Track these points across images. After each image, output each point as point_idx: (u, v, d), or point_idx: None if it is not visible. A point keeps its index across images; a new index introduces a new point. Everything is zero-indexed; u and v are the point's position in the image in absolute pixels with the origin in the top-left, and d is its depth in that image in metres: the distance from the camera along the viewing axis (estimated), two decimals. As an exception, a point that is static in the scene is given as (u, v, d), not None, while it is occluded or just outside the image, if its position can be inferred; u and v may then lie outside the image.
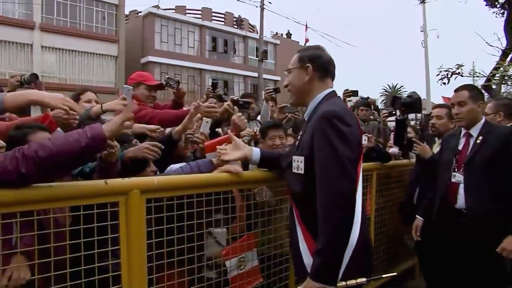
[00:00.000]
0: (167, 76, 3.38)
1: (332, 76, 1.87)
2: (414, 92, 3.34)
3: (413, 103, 3.12)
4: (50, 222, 1.50)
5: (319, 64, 1.82)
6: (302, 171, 1.71)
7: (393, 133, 3.59)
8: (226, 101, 4.07)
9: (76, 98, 2.75)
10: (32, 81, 2.99)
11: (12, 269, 1.51)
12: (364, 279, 1.52)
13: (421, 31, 20.80)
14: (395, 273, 2.04)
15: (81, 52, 21.18)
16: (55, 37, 20.10)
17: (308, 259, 1.70)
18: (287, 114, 4.29)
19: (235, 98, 3.14)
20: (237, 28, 30.12)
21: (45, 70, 19.73)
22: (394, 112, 3.87)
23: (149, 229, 1.71)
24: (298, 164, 1.73)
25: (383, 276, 1.63)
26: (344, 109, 1.76)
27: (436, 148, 3.38)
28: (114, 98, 2.74)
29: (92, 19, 21.97)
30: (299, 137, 1.83)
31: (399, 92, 42.90)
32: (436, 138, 3.64)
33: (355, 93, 4.87)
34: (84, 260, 1.53)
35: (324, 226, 1.57)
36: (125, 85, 2.67)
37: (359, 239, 1.65)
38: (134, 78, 3.20)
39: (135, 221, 1.63)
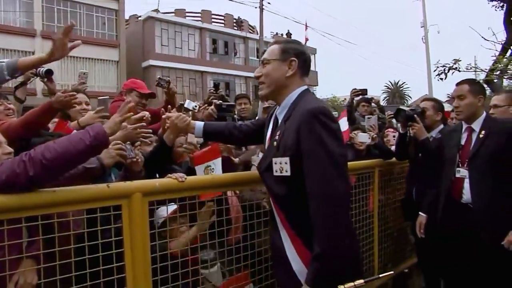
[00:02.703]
0: (158, 77, 3.40)
1: (307, 75, 1.79)
2: (417, 106, 3.37)
3: (416, 115, 3.10)
4: (61, 226, 1.52)
5: (303, 61, 1.73)
6: (288, 173, 1.59)
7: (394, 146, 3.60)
8: (229, 101, 4.09)
9: None
10: (47, 76, 3.19)
11: (19, 273, 1.53)
12: (362, 281, 1.46)
13: (421, 27, 20.75)
14: (392, 272, 2.00)
15: (83, 58, 21.25)
16: (57, 44, 20.18)
17: (297, 265, 1.62)
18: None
19: (218, 103, 3.13)
20: (237, 29, 30.15)
21: (48, 77, 19.80)
22: None
23: (152, 231, 1.73)
24: (282, 166, 1.60)
25: (380, 276, 1.59)
26: (326, 106, 1.70)
27: None
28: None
29: (93, 25, 22.07)
30: (276, 137, 1.69)
31: (401, 88, 42.82)
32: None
33: (364, 91, 4.84)
34: (89, 263, 1.55)
35: (322, 229, 1.49)
36: (99, 97, 2.67)
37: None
38: (127, 84, 3.31)
39: (138, 224, 1.65)
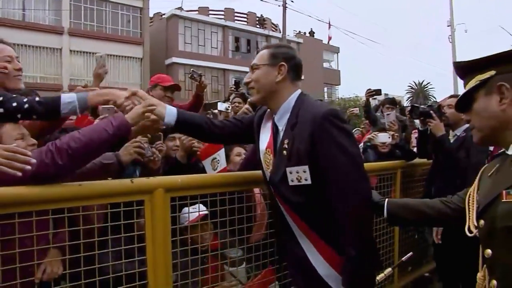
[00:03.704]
0: (192, 69, 3.45)
1: (300, 79, 1.76)
2: (434, 102, 3.29)
3: (432, 112, 3.03)
4: (86, 219, 1.56)
5: (293, 65, 1.70)
6: (308, 181, 1.56)
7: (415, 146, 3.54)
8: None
9: None
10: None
11: (46, 263, 1.58)
12: (390, 269, 1.49)
13: (448, 26, 20.29)
14: (411, 253, 2.03)
15: (108, 54, 21.68)
16: (83, 41, 20.68)
17: (325, 269, 1.61)
18: None
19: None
20: (260, 27, 30.13)
21: (74, 73, 20.39)
22: None
23: (174, 226, 1.76)
24: (300, 175, 1.57)
25: (403, 259, 1.64)
26: (335, 108, 1.71)
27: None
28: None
29: (118, 23, 22.48)
30: (284, 146, 1.63)
31: (425, 88, 41.91)
32: (451, 131, 3.47)
33: (378, 91, 4.82)
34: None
35: (354, 231, 1.52)
36: (103, 106, 2.17)
37: None
38: (152, 80, 3.33)
39: (160, 219, 1.68)
